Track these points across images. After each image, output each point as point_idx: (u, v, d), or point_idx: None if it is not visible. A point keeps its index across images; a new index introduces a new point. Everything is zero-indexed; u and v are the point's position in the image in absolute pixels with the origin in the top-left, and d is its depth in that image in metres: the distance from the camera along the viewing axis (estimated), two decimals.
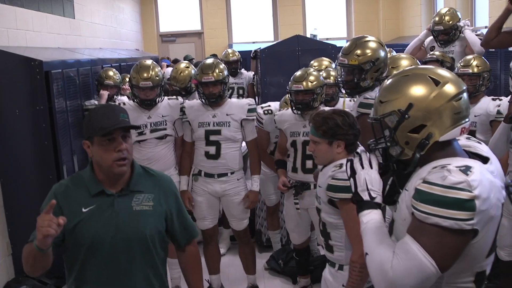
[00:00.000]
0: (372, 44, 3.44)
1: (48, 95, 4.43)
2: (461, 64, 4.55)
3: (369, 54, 3.39)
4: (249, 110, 4.18)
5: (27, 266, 2.25)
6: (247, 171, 4.52)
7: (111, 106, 2.47)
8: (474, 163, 1.71)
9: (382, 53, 3.43)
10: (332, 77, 4.85)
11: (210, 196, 4.22)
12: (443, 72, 1.85)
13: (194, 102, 4.28)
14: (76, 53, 6.06)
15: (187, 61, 5.88)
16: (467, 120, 1.81)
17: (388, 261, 1.68)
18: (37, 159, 4.47)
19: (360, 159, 1.92)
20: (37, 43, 5.54)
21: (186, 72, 5.38)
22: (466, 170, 1.64)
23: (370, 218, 1.84)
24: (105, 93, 5.20)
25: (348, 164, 1.94)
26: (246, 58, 8.87)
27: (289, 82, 4.13)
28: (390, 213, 3.54)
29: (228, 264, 5.08)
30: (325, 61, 5.53)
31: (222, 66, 4.24)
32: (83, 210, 2.28)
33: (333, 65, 5.46)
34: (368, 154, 1.92)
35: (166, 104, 4.29)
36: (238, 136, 4.17)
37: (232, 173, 4.19)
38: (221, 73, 4.15)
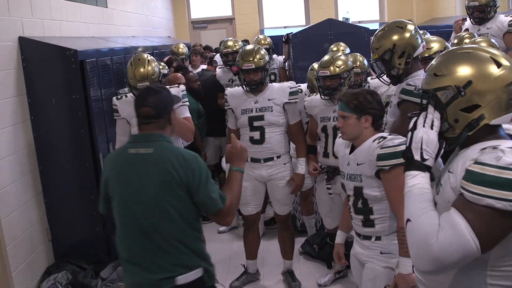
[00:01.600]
0: (387, 33, 3.36)
1: (83, 84, 4.50)
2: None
3: (384, 44, 3.32)
4: (291, 93, 4.15)
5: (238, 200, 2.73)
6: None
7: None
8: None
9: (397, 37, 3.31)
10: (359, 63, 4.83)
11: (256, 182, 4.24)
12: (504, 55, 1.81)
13: (235, 90, 4.29)
14: (109, 42, 6.12)
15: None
16: None
17: (433, 234, 1.64)
18: (74, 147, 4.55)
19: (425, 116, 1.84)
20: (71, 32, 5.61)
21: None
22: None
23: (417, 181, 1.77)
24: None
25: (414, 118, 1.88)
26: (278, 43, 8.81)
27: (316, 68, 4.12)
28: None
29: (263, 249, 5.10)
30: (341, 46, 5.56)
31: (262, 52, 4.22)
32: None
33: (347, 50, 5.44)
34: (433, 112, 1.83)
35: None
36: (281, 120, 4.15)
37: (278, 157, 4.18)
38: (261, 60, 4.13)
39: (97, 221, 4.64)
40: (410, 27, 3.36)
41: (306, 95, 4.61)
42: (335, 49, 5.50)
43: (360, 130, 2.95)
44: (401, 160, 2.61)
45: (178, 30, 12.54)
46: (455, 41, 4.81)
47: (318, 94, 4.17)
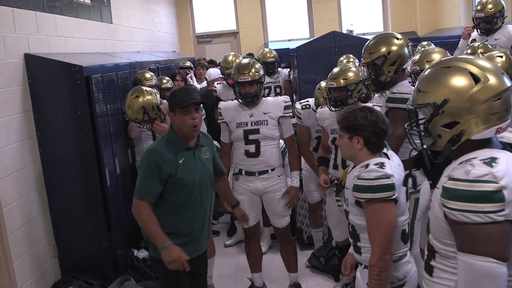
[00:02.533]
0: (384, 40, 3.60)
1: (89, 99, 4.52)
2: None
3: (380, 49, 3.56)
4: (286, 107, 4.19)
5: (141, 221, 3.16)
6: (286, 168, 4.53)
7: (188, 88, 3.75)
8: (501, 154, 1.68)
9: (393, 47, 3.56)
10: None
11: (252, 194, 4.24)
12: (487, 67, 1.79)
13: (230, 103, 4.31)
14: (114, 57, 6.16)
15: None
16: (507, 120, 1.77)
17: None
18: (79, 163, 4.55)
19: None
20: (77, 49, 5.65)
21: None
22: (491, 162, 1.63)
23: None
24: None
25: None
26: (283, 56, 8.84)
27: (323, 86, 4.21)
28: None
29: (269, 262, 5.09)
30: (351, 58, 5.60)
31: (258, 65, 4.26)
32: (180, 161, 3.16)
33: (357, 62, 5.46)
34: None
35: None
36: (276, 133, 4.18)
37: (272, 170, 4.20)
38: (257, 73, 4.18)
39: (104, 237, 4.64)
40: (404, 41, 3.60)
41: (314, 111, 4.62)
42: (345, 61, 5.52)
43: (353, 151, 2.77)
44: (377, 195, 2.52)
45: (183, 45, 12.62)
46: (469, 51, 4.80)
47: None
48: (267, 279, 4.74)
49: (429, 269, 1.93)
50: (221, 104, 4.33)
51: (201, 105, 3.44)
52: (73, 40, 5.59)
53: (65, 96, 4.47)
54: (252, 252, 4.47)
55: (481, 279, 1.60)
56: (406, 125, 2.03)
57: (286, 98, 4.29)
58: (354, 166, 2.85)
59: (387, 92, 3.63)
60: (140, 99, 4.71)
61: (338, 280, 4.64)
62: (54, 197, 4.59)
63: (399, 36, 3.63)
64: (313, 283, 4.76)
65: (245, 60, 4.34)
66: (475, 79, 1.75)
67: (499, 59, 4.29)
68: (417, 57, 4.28)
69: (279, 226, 4.37)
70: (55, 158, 4.54)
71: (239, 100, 4.21)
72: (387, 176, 2.55)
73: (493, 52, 4.57)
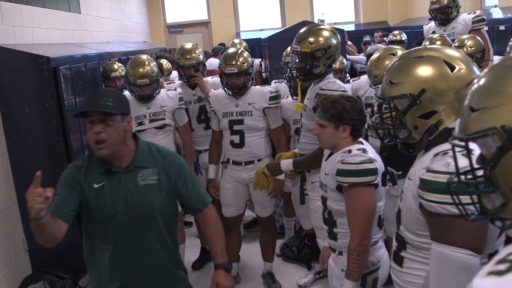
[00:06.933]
0: (325, 33, 3.56)
1: (57, 91, 4.44)
2: (456, 45, 4.58)
3: (322, 41, 3.51)
4: (271, 98, 4.15)
5: (38, 238, 2.41)
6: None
7: (99, 90, 2.56)
8: (474, 145, 1.69)
9: (334, 41, 3.55)
10: (338, 62, 4.88)
11: (238, 184, 4.25)
12: (459, 56, 1.79)
13: (219, 92, 4.28)
14: (83, 48, 6.07)
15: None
16: None
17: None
18: (48, 155, 4.49)
19: None
20: (44, 39, 5.55)
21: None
22: (468, 153, 1.63)
23: None
24: None
25: None
26: (254, 46, 8.81)
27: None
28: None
29: (242, 252, 5.09)
30: None
31: (245, 55, 4.22)
32: (95, 186, 2.44)
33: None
34: None
35: (165, 95, 4.40)
36: (261, 124, 4.15)
37: (259, 160, 4.19)
38: (244, 64, 4.13)
39: (74, 230, 4.56)
40: (339, 36, 3.63)
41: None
42: None
43: (337, 140, 2.75)
44: (360, 179, 2.56)
45: (154, 35, 12.49)
46: (427, 42, 4.88)
47: (290, 97, 4.32)
48: (240, 268, 4.74)
49: (399, 260, 1.94)
50: (211, 93, 4.33)
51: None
52: (40, 30, 5.49)
53: (32, 88, 4.39)
54: (231, 242, 4.43)
55: (455, 270, 1.60)
56: (373, 119, 2.01)
57: (273, 88, 4.25)
58: (330, 155, 2.86)
59: (312, 85, 3.66)
60: None
61: (310, 269, 4.66)
62: (22, 191, 4.45)
63: (336, 31, 3.65)
64: (285, 271, 4.78)
65: (232, 50, 4.28)
66: (450, 67, 1.75)
67: (469, 43, 4.44)
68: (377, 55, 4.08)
69: (261, 216, 4.39)
70: (23, 151, 4.46)
71: (226, 90, 4.19)
72: (371, 161, 2.61)
73: (463, 37, 4.72)
